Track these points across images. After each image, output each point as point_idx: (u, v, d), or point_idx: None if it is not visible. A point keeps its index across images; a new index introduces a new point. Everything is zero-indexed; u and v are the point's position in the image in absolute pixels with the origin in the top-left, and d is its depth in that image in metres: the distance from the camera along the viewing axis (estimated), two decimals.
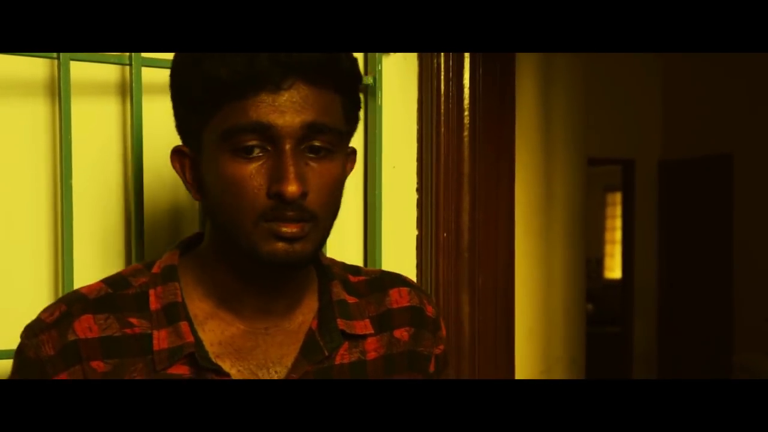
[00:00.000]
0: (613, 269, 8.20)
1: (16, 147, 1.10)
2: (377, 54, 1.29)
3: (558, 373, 2.66)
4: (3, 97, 1.09)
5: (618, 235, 7.24)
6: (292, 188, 0.81)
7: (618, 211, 7.35)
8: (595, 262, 8.22)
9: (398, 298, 1.00)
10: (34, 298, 1.10)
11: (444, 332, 1.04)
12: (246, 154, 0.83)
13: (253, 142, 0.83)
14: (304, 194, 0.83)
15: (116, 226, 1.16)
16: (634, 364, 6.10)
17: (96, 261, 1.15)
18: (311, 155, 0.85)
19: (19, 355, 0.88)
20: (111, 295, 0.89)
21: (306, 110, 0.83)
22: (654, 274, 6.06)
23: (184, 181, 0.92)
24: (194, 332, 0.88)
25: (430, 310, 1.02)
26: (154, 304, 0.89)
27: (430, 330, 1.01)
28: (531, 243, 2.48)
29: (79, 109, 1.12)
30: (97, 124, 1.15)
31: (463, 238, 1.41)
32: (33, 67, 1.11)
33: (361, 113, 1.32)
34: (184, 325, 0.87)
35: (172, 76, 0.89)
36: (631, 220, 6.08)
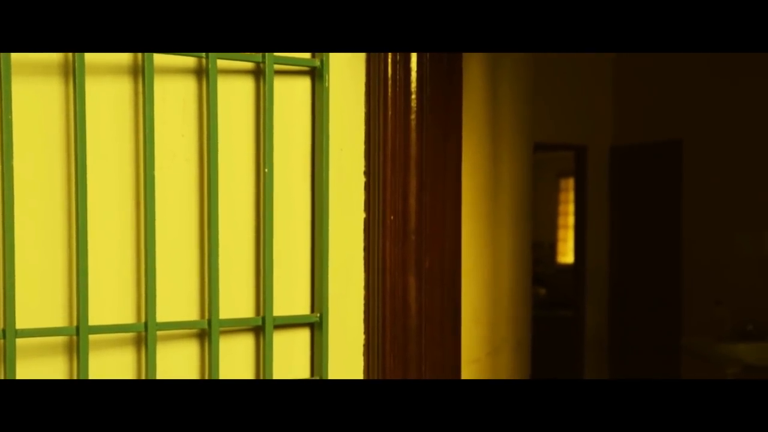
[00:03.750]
0: (566, 254, 8.31)
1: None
2: None
3: (504, 355, 2.70)
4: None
5: (571, 220, 7.34)
6: None
7: (571, 196, 7.45)
8: (548, 246, 8.32)
9: None
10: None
11: None
12: None
13: None
14: None
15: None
16: (586, 347, 6.21)
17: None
18: None
19: None
20: None
21: None
22: (606, 258, 6.16)
23: None
24: None
25: None
26: None
27: None
28: (478, 226, 2.50)
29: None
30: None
31: (410, 221, 1.42)
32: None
33: (309, 96, 1.33)
34: None
35: None
36: (584, 205, 6.17)
